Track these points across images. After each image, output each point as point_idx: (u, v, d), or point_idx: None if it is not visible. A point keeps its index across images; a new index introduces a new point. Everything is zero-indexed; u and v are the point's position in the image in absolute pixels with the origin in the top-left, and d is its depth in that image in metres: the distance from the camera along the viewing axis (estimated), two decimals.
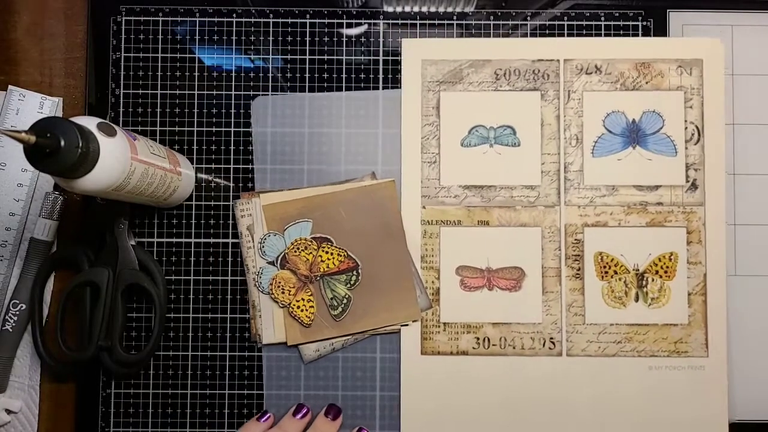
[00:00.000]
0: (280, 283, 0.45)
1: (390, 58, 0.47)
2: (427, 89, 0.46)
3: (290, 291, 0.45)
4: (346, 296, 0.45)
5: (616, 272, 0.45)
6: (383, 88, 0.47)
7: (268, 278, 0.45)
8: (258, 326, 0.45)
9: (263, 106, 0.46)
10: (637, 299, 0.45)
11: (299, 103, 0.46)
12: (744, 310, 0.46)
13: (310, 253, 0.45)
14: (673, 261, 0.45)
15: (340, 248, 0.45)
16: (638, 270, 0.45)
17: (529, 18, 0.47)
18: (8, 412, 0.45)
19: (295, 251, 0.45)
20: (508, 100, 0.46)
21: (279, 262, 0.45)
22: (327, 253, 0.45)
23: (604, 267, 0.45)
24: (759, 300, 0.46)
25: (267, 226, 0.45)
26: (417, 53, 0.46)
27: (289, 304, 0.45)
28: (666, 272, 0.45)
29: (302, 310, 0.45)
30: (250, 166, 0.46)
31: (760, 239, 0.46)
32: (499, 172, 0.46)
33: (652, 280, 0.45)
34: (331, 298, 0.45)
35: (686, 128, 0.46)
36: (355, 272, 0.45)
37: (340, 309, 0.45)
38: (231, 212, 0.46)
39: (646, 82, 0.46)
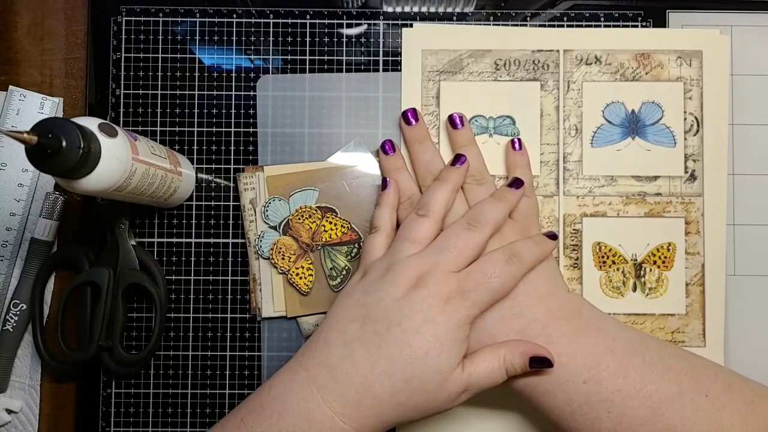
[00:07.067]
0: (281, 249, 0.45)
1: (390, 58, 0.47)
2: (428, 79, 0.46)
3: (290, 258, 0.45)
4: (346, 267, 0.45)
5: (614, 262, 0.46)
6: (383, 87, 0.47)
7: (268, 243, 0.45)
8: (258, 300, 0.46)
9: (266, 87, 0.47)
10: (634, 289, 0.46)
11: (299, 88, 0.46)
12: (743, 311, 0.46)
13: (314, 221, 0.45)
14: (671, 251, 0.46)
15: (344, 220, 0.46)
16: (636, 260, 0.46)
17: (528, 18, 0.47)
18: (9, 411, 0.45)
19: (299, 218, 0.45)
20: (508, 91, 0.46)
21: (281, 228, 0.45)
22: (330, 223, 0.46)
23: (602, 257, 0.46)
24: (759, 300, 0.46)
25: (270, 196, 0.46)
26: (417, 43, 0.46)
27: (288, 270, 0.45)
28: (664, 262, 0.46)
29: (301, 278, 0.45)
30: (250, 166, 0.46)
31: (760, 239, 0.46)
32: (498, 161, 0.46)
33: (650, 270, 0.46)
34: (331, 269, 0.45)
35: (685, 119, 0.46)
36: (356, 245, 0.46)
37: (339, 280, 0.45)
38: (230, 212, 0.46)
39: (646, 73, 0.46)
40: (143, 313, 0.46)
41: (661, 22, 0.47)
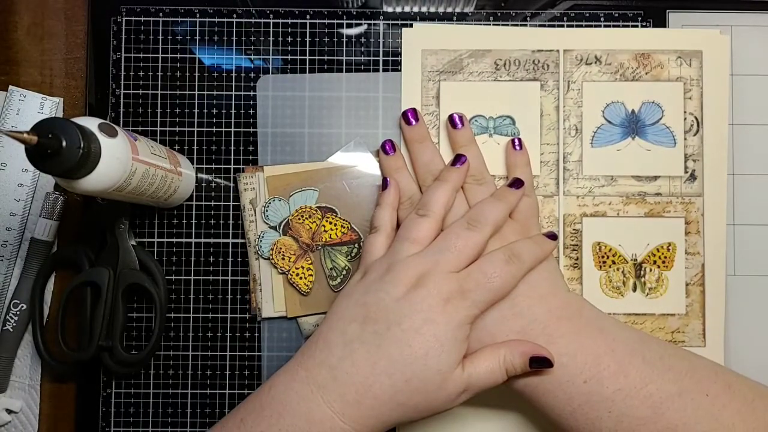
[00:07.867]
0: (281, 249, 0.45)
1: (390, 58, 0.47)
2: (428, 79, 0.46)
3: (290, 258, 0.45)
4: (346, 267, 0.46)
5: (614, 262, 0.46)
6: (383, 87, 0.47)
7: (268, 243, 0.45)
8: (258, 300, 0.46)
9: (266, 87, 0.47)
10: (634, 289, 0.46)
11: (299, 88, 0.47)
12: (743, 311, 0.46)
13: (314, 222, 0.45)
14: (671, 251, 0.46)
15: (344, 220, 0.46)
16: (636, 260, 0.46)
17: (528, 18, 0.47)
18: (9, 411, 0.45)
19: (299, 218, 0.45)
20: (508, 91, 0.46)
21: (281, 228, 0.45)
22: (330, 223, 0.46)
23: (602, 257, 0.46)
24: (759, 300, 0.46)
25: (270, 197, 0.46)
26: (417, 43, 0.46)
27: (288, 270, 0.45)
28: (664, 262, 0.46)
29: (301, 278, 0.45)
30: (250, 166, 0.46)
31: (760, 239, 0.46)
32: (498, 161, 0.46)
33: (650, 270, 0.46)
34: (331, 269, 0.45)
35: (685, 119, 0.46)
36: (356, 245, 0.46)
37: (339, 280, 0.45)
38: (230, 212, 0.46)
39: (646, 73, 0.46)
40: (143, 313, 0.46)
41: (661, 22, 0.47)
